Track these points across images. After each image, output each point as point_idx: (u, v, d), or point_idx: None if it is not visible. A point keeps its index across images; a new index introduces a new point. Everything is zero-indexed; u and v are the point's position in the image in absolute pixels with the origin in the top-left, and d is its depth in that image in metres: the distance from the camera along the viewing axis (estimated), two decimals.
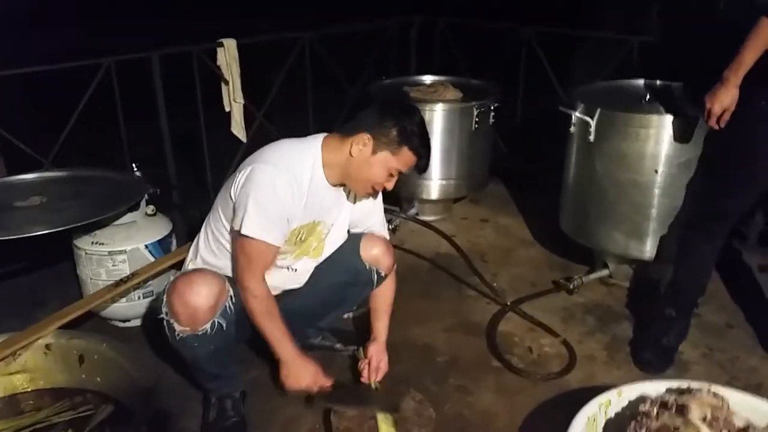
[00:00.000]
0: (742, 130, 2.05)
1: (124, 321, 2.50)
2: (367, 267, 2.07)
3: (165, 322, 1.79)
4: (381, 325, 2.14)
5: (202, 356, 1.84)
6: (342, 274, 2.07)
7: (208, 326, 1.78)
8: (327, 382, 1.90)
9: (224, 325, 1.80)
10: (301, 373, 1.87)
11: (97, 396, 1.91)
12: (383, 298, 2.15)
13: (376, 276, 2.09)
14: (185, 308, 1.74)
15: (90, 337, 1.95)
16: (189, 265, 2.01)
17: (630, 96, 2.72)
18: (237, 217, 1.79)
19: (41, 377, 1.95)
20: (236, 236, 1.82)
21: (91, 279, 2.39)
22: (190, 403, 2.07)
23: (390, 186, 1.93)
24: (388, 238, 2.15)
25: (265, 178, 1.76)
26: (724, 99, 2.04)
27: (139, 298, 2.41)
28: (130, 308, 2.43)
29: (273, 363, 2.24)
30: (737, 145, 2.08)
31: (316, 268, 2.07)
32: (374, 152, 1.84)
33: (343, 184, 1.95)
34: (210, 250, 1.95)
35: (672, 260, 2.34)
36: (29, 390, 1.95)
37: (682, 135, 2.37)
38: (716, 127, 2.10)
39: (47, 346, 1.93)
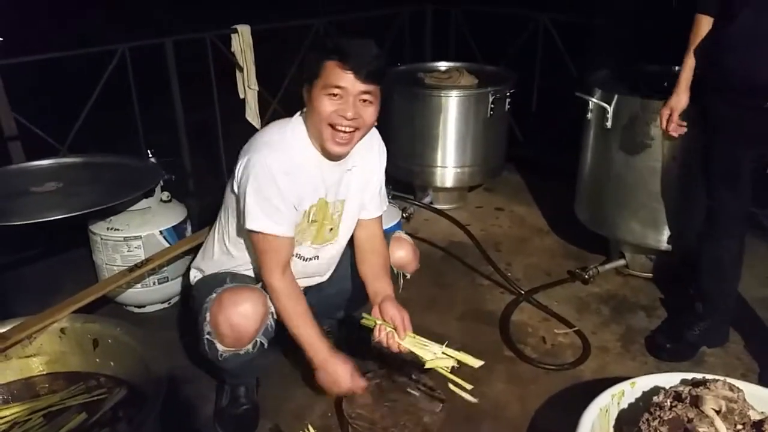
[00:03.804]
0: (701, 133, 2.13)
1: (139, 307, 2.53)
2: (395, 272, 2.08)
3: (206, 341, 1.77)
4: (383, 284, 1.91)
5: (237, 368, 1.85)
6: None
7: (250, 346, 1.78)
8: (363, 383, 1.82)
9: (266, 344, 1.81)
10: (339, 375, 1.78)
11: (111, 380, 1.92)
12: (379, 261, 1.95)
13: (402, 279, 2.10)
14: (232, 331, 1.73)
15: (104, 321, 1.95)
16: (201, 261, 1.99)
17: (648, 81, 2.67)
18: (242, 213, 1.74)
19: (56, 361, 1.97)
20: (248, 232, 1.77)
21: (106, 264, 2.42)
22: (202, 387, 2.09)
23: (348, 112, 1.70)
24: (385, 208, 2.02)
25: (261, 164, 1.70)
26: (672, 101, 2.16)
27: (154, 283, 2.43)
28: (144, 294, 2.46)
29: (287, 350, 2.26)
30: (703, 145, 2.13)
31: (342, 266, 2.03)
32: (312, 91, 1.74)
33: (339, 158, 1.81)
34: (222, 247, 1.92)
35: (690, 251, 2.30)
36: (44, 373, 1.97)
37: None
38: (670, 133, 2.22)
39: (62, 330, 1.94)
